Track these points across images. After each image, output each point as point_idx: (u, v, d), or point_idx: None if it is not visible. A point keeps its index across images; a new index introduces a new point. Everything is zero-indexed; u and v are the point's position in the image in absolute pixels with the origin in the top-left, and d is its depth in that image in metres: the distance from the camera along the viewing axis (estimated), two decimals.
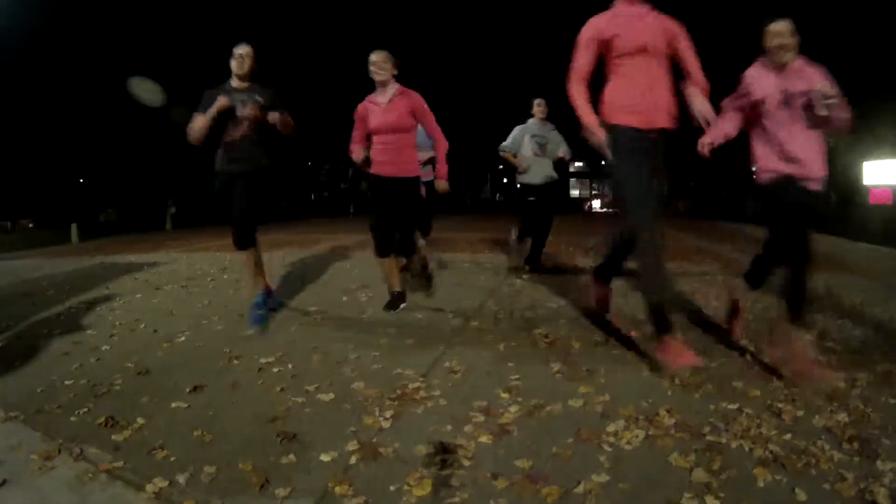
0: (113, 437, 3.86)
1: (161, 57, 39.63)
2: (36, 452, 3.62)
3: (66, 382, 4.93)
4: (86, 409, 4.33)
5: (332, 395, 4.48)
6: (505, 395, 4.40)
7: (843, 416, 3.90)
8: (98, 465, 3.48)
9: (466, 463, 3.38)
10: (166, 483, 3.25)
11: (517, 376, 4.81)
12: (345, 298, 7.98)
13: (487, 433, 3.75)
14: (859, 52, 25.22)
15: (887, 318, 6.72)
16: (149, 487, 3.22)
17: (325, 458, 3.46)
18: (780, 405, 4.10)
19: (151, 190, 41.52)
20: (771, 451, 3.43)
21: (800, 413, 3.97)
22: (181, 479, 3.28)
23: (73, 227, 24.21)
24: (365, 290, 8.53)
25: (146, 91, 37.63)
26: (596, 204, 73.14)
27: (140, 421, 4.07)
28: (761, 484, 3.12)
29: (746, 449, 3.48)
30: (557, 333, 6.04)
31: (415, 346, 5.74)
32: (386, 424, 3.93)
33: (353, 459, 3.45)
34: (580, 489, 3.10)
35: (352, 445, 3.61)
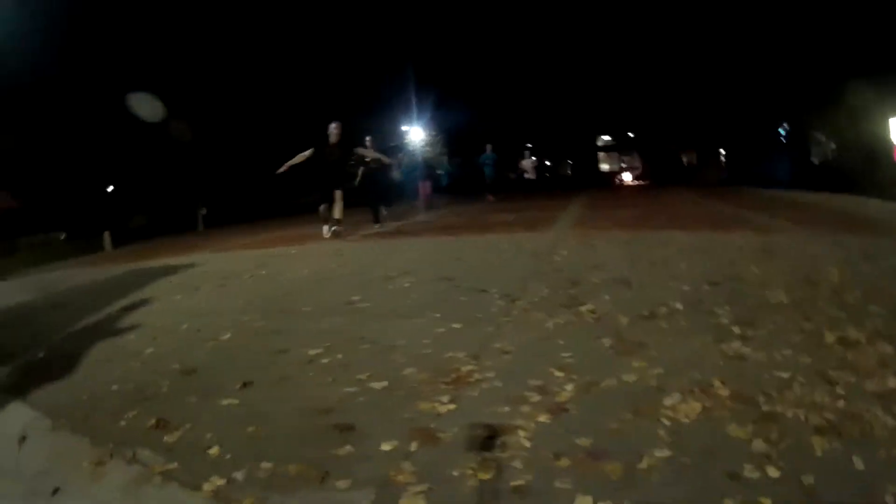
0: (164, 438, 3.83)
1: (180, 64, 39.78)
2: (87, 459, 3.60)
3: (112, 388, 4.90)
4: (134, 413, 4.29)
5: (384, 383, 4.43)
6: (559, 374, 4.34)
7: (893, 382, 3.82)
8: (151, 467, 3.45)
9: (527, 444, 3.33)
10: (223, 481, 3.22)
11: (569, 353, 4.74)
12: (388, 286, 7.91)
13: (545, 412, 3.70)
14: (884, 8, 24.96)
15: None
16: (206, 487, 3.18)
17: (384, 446, 3.42)
18: (831, 372, 4.02)
19: (180, 193, 41.70)
20: (826, 419, 3.37)
21: (851, 379, 3.90)
22: (238, 476, 3.24)
23: (106, 235, 24.33)
24: (406, 276, 8.44)
25: (149, 107, 37.86)
26: (626, 177, 72.93)
27: (191, 421, 4.04)
28: (819, 452, 3.06)
29: (802, 417, 3.42)
30: (604, 309, 5.96)
31: (463, 329, 5.67)
32: (442, 409, 3.88)
33: (412, 446, 3.40)
34: (643, 465, 3.06)
35: (410, 432, 3.57)
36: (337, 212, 14.74)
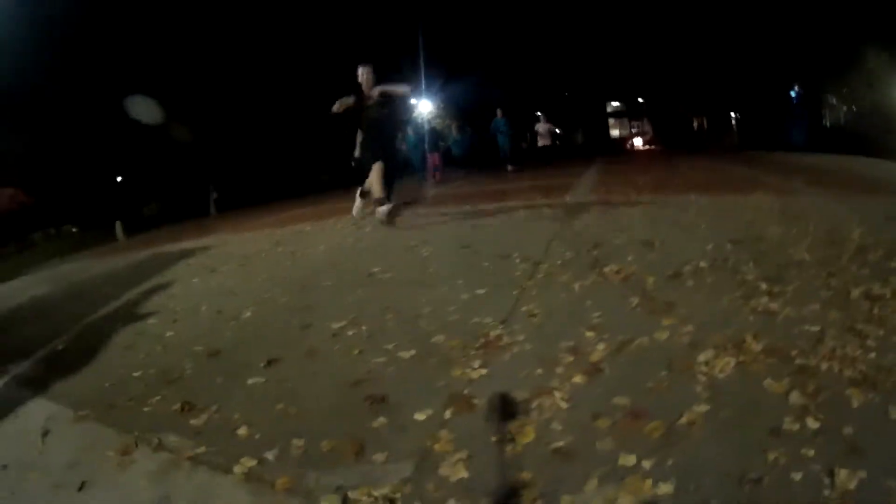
0: (191, 421, 3.80)
1: (187, 47, 39.82)
2: (112, 449, 3.55)
3: (135, 374, 4.85)
4: (159, 398, 4.26)
5: (413, 352, 4.40)
6: (590, 334, 4.31)
7: None
8: (180, 452, 3.42)
9: (564, 406, 3.31)
10: (255, 462, 3.18)
11: (598, 314, 4.72)
12: (407, 256, 7.89)
13: (580, 373, 3.68)
14: None
15: None
16: (237, 469, 3.15)
17: (418, 416, 3.39)
18: (860, 326, 4.00)
19: (191, 178, 41.78)
20: (860, 371, 3.36)
21: (881, 332, 3.87)
22: (270, 455, 3.20)
23: (118, 224, 24.38)
24: (426, 245, 8.41)
25: (149, 111, 37.96)
26: (637, 142, 73.08)
27: (217, 402, 4.00)
28: (856, 404, 3.06)
29: (836, 370, 3.41)
30: (629, 269, 5.93)
31: (488, 295, 5.65)
32: (475, 375, 3.86)
33: (447, 414, 3.38)
34: (683, 421, 3.06)
35: (444, 400, 3.55)
36: (377, 188, 10.87)
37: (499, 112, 28.19)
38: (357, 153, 11.62)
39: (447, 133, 42.48)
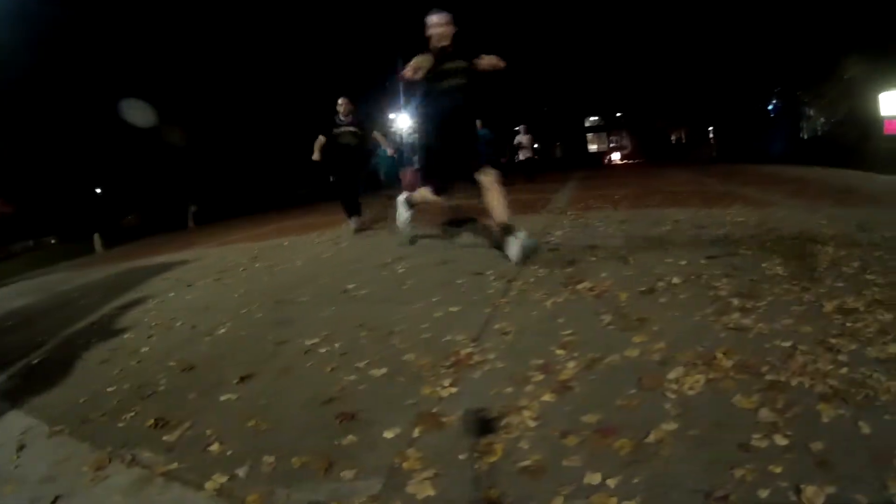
0: (164, 437, 3.81)
1: (169, 60, 39.84)
2: (87, 464, 3.59)
3: (109, 389, 4.88)
4: (133, 413, 4.28)
5: (384, 370, 4.41)
6: (561, 352, 4.33)
7: (894, 348, 3.85)
8: (153, 468, 3.45)
9: (532, 424, 3.33)
10: (226, 478, 3.21)
11: (570, 331, 4.73)
12: (383, 273, 7.87)
13: (549, 391, 3.69)
14: None
15: None
16: (208, 485, 3.18)
17: (387, 434, 3.40)
18: (832, 340, 4.05)
19: (170, 191, 41.79)
20: (831, 386, 3.39)
21: (853, 346, 3.92)
22: (241, 472, 3.23)
23: (97, 236, 24.36)
24: (401, 261, 8.41)
25: (141, 113, 37.92)
26: (615, 156, 73.26)
27: (191, 418, 4.02)
28: (826, 419, 3.09)
29: (807, 385, 3.44)
30: (602, 285, 5.96)
31: (462, 312, 5.65)
32: (445, 393, 3.87)
33: (416, 432, 3.39)
34: (651, 438, 3.08)
35: (413, 418, 3.56)
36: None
37: (478, 123, 27.77)
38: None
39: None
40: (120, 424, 4.13)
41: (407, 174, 25.33)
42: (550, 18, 55.33)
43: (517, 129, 28.20)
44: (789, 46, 31.26)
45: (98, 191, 48.47)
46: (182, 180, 40.68)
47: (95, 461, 3.58)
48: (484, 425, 3.36)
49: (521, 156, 29.43)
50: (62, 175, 41.37)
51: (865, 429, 2.95)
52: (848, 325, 4.31)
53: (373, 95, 42.51)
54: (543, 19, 55.84)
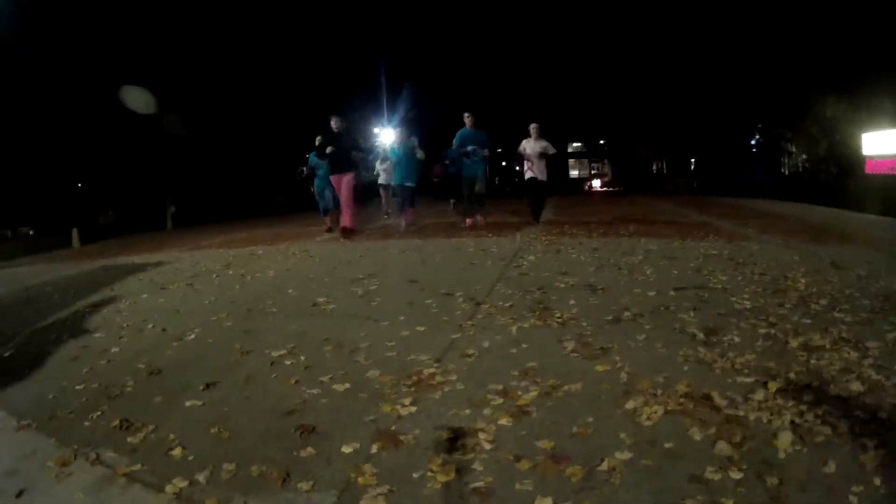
0: (128, 439, 3.85)
1: (155, 62, 39.65)
2: (52, 459, 3.62)
3: (78, 387, 4.92)
4: (99, 413, 4.32)
5: (347, 385, 4.45)
6: (522, 378, 4.39)
7: (857, 386, 3.92)
8: (115, 468, 3.49)
9: (488, 446, 3.38)
10: (186, 483, 3.25)
11: (533, 357, 4.79)
12: (353, 288, 7.88)
13: (507, 415, 3.75)
14: (858, 23, 25.38)
15: (895, 288, 6.73)
16: (168, 488, 3.22)
17: (345, 449, 3.45)
18: (792, 376, 4.12)
19: (150, 190, 41.51)
20: (791, 422, 3.43)
21: (815, 383, 3.99)
22: (201, 477, 3.28)
23: (74, 231, 24.23)
24: (373, 278, 8.43)
25: (138, 100, 37.72)
26: (596, 183, 73.19)
27: (155, 421, 4.05)
28: (782, 455, 3.13)
29: (765, 420, 3.49)
30: (569, 313, 6.02)
31: (427, 332, 5.71)
32: (404, 412, 3.91)
33: (373, 449, 3.44)
34: (604, 467, 3.12)
35: (372, 435, 3.60)
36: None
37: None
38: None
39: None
40: (86, 423, 4.17)
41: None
42: (540, 40, 55.52)
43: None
44: (772, 83, 31.47)
45: (79, 185, 48.14)
46: (163, 180, 40.47)
47: (60, 458, 3.61)
48: (440, 445, 3.40)
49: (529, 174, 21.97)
50: (44, 167, 41.06)
51: (823, 467, 2.99)
52: (812, 362, 4.39)
53: (357, 110, 42.50)
54: (533, 40, 56.03)
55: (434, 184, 17.64)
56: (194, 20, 42.25)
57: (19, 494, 3.27)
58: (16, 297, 9.70)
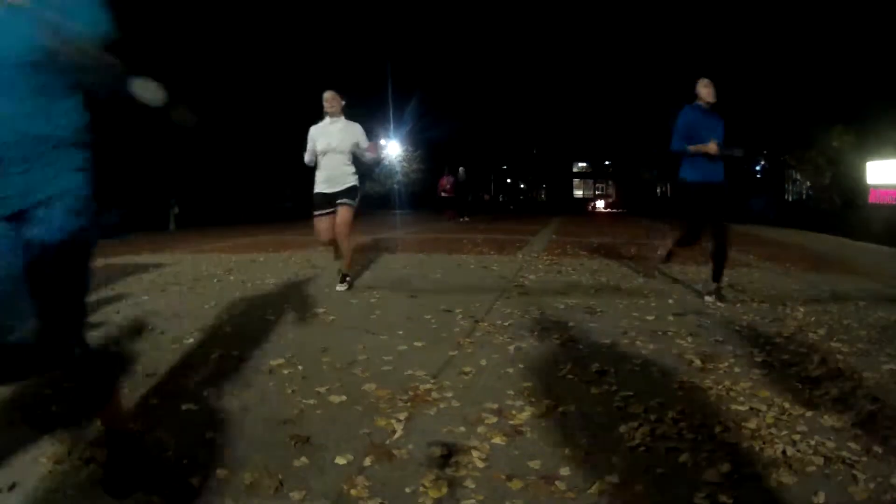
0: None
1: (162, 66, 39.63)
2: (45, 455, 3.60)
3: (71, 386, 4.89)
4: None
5: (343, 397, 4.45)
6: (517, 397, 4.41)
7: (851, 416, 3.94)
8: None
9: (481, 464, 3.38)
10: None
11: (529, 377, 4.82)
12: (353, 300, 7.94)
13: (501, 434, 3.75)
14: (861, 52, 25.49)
15: (893, 319, 6.76)
16: None
17: (339, 460, 3.44)
18: (787, 405, 4.15)
19: (153, 190, 41.32)
20: (783, 451, 3.45)
21: (808, 413, 4.02)
22: (193, 482, 3.25)
23: None
24: (372, 290, 8.52)
25: (147, 91, 37.65)
26: (600, 204, 73.22)
27: (150, 423, 4.04)
28: (773, 484, 3.14)
29: (757, 448, 3.51)
30: (567, 334, 6.06)
31: (425, 348, 5.73)
32: (399, 426, 3.91)
33: (367, 461, 3.43)
34: (594, 490, 3.11)
35: (365, 447, 3.60)
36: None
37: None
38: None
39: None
40: (81, 422, 4.13)
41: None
42: (550, 65, 55.70)
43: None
44: (778, 111, 31.57)
45: None
46: (168, 181, 40.31)
47: (54, 454, 3.61)
48: (433, 461, 3.41)
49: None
50: None
51: (814, 497, 3.00)
52: (806, 391, 4.42)
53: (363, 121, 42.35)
54: (542, 65, 56.19)
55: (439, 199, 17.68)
56: (204, 22, 42.25)
57: (11, 488, 3.24)
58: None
